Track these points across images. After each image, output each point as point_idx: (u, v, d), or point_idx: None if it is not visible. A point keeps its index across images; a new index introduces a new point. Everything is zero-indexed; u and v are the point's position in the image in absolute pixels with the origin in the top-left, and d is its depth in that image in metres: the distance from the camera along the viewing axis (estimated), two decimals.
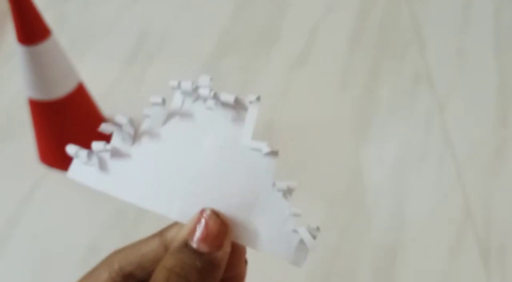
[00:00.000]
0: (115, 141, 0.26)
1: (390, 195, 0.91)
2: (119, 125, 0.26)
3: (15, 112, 1.04)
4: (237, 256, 0.25)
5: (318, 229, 0.26)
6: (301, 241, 0.25)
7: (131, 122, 0.26)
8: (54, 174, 0.94)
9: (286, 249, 0.25)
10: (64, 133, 0.89)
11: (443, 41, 1.19)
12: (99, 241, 0.85)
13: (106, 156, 0.26)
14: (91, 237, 0.85)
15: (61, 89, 0.83)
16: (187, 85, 0.26)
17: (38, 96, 0.83)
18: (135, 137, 0.26)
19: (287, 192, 0.26)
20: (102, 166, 0.26)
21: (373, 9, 1.26)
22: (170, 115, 0.26)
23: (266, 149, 0.26)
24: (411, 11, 1.26)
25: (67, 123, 0.88)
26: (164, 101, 0.26)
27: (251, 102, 0.25)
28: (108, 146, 0.26)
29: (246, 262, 0.27)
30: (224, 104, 0.25)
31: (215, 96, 0.25)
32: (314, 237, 0.26)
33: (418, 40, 1.19)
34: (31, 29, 0.75)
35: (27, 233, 0.86)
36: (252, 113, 0.26)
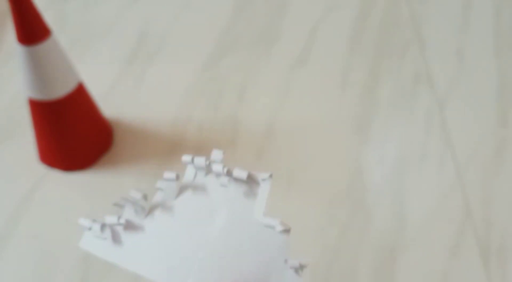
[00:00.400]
0: (128, 214, 0.26)
1: (390, 195, 0.91)
2: (132, 200, 0.26)
3: (15, 112, 1.05)
4: None
5: None
6: None
7: (145, 197, 0.26)
8: (54, 174, 0.94)
9: None
10: (64, 133, 0.89)
11: (443, 41, 1.19)
12: None
13: (120, 228, 0.26)
14: None
15: (61, 89, 0.83)
16: (200, 161, 0.26)
17: (38, 96, 0.83)
18: (149, 210, 0.26)
19: (299, 269, 0.26)
20: (115, 238, 0.26)
21: (373, 9, 1.26)
22: (182, 189, 0.26)
23: (279, 227, 0.25)
24: (411, 11, 1.26)
25: (67, 124, 0.88)
26: (177, 177, 0.27)
27: (263, 179, 0.25)
28: (122, 219, 0.26)
29: None
30: (237, 180, 0.25)
31: (228, 173, 0.25)
32: None
33: (418, 40, 1.19)
34: (31, 29, 0.75)
35: (27, 233, 0.86)
36: (264, 190, 0.26)
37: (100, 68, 1.12)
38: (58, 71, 0.81)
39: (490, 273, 0.81)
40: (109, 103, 1.04)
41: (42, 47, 0.77)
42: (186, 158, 0.27)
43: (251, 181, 0.25)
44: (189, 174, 0.26)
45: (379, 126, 1.02)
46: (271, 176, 0.26)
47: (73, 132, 0.90)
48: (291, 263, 0.25)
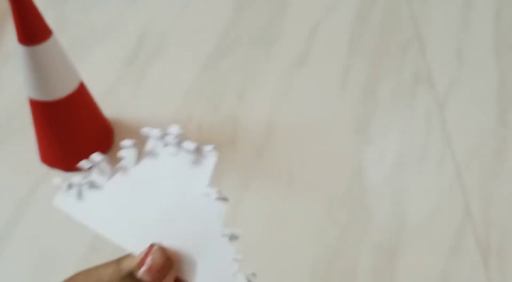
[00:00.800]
0: (93, 175, 0.29)
1: (390, 195, 0.91)
2: (96, 162, 0.29)
3: (16, 113, 1.05)
4: None
5: (255, 275, 0.27)
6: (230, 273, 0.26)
7: (107, 160, 0.29)
8: (54, 174, 0.94)
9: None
10: (65, 133, 0.89)
11: (443, 41, 1.19)
12: (99, 240, 0.85)
13: (85, 187, 0.29)
14: (91, 236, 0.85)
15: (61, 90, 0.83)
16: (156, 132, 0.29)
17: (39, 96, 0.83)
18: (112, 173, 0.29)
19: (233, 238, 0.27)
20: (79, 196, 0.30)
21: (373, 10, 1.26)
22: (141, 157, 0.29)
23: (215, 195, 0.27)
24: (411, 11, 1.26)
25: (68, 124, 0.88)
26: (135, 144, 0.29)
27: (208, 151, 0.28)
28: (86, 179, 0.29)
29: None
30: (188, 151, 0.29)
31: (179, 144, 0.29)
32: None
33: (418, 40, 1.19)
34: (32, 30, 0.75)
35: (27, 232, 0.87)
36: (209, 161, 0.28)
37: (101, 69, 1.12)
38: (58, 71, 0.81)
39: (490, 272, 0.81)
40: (110, 103, 1.04)
41: (43, 48, 0.77)
42: (145, 129, 0.30)
43: (198, 152, 0.29)
44: (149, 145, 0.29)
45: (379, 126, 1.02)
46: (215, 148, 0.29)
47: (74, 132, 0.90)
48: (225, 232, 0.27)
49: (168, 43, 1.20)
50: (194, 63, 1.15)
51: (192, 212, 0.28)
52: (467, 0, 1.28)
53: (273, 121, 1.03)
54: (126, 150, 0.30)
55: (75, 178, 0.30)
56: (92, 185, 0.30)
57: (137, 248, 0.27)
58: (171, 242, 0.27)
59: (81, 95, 0.88)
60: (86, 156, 0.96)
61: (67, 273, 0.88)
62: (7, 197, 0.91)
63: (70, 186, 0.30)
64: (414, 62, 1.14)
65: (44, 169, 0.95)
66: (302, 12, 1.27)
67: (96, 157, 0.29)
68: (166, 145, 0.30)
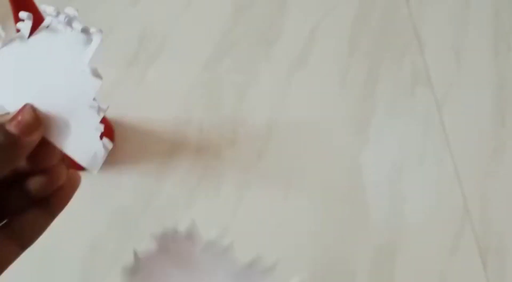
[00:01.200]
0: None
1: (389, 195, 0.91)
2: None
3: None
4: (47, 151, 0.30)
5: (110, 143, 0.31)
6: (96, 152, 0.30)
7: (3, 29, 0.32)
8: None
9: (84, 155, 0.30)
10: None
11: (442, 41, 1.19)
12: (100, 240, 0.85)
13: None
14: (92, 236, 0.86)
15: None
16: (51, 10, 0.32)
17: None
18: (7, 41, 0.32)
19: (100, 110, 0.30)
20: None
21: (372, 10, 1.27)
22: (38, 30, 0.32)
23: (91, 71, 0.30)
24: (410, 12, 1.26)
25: None
26: (30, 17, 0.32)
27: (93, 32, 0.31)
28: None
29: (68, 165, 0.32)
30: (76, 30, 0.31)
31: (70, 23, 0.31)
32: (106, 150, 0.30)
33: (417, 40, 1.19)
34: (33, 30, 0.75)
35: None
36: (94, 42, 0.31)
37: (101, 69, 1.12)
38: None
39: (489, 272, 0.81)
40: (110, 104, 1.04)
41: None
42: (43, 7, 0.32)
43: (86, 33, 0.31)
44: (46, 21, 0.32)
45: (378, 126, 1.02)
46: (100, 30, 0.31)
47: None
48: (93, 104, 0.30)
49: (168, 43, 1.20)
50: (194, 63, 1.15)
51: (69, 83, 0.30)
52: (466, 1, 1.29)
53: (273, 121, 1.03)
54: (23, 22, 0.31)
55: None
56: None
57: (16, 108, 0.30)
58: (45, 106, 0.29)
59: None
60: None
61: (67, 273, 0.88)
62: None
63: None
64: (413, 62, 1.14)
65: None
66: (302, 12, 1.27)
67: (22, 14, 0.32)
68: (59, 22, 0.32)
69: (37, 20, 0.77)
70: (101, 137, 0.31)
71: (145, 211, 0.89)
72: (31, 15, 0.32)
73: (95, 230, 0.87)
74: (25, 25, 0.32)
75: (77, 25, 0.31)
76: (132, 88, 1.10)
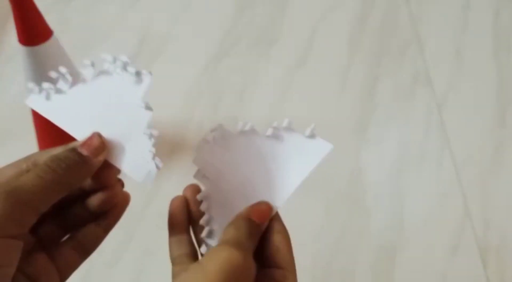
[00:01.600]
0: (59, 83, 0.39)
1: (389, 195, 0.91)
2: (62, 74, 0.38)
3: (17, 113, 1.05)
4: (108, 171, 0.36)
5: (161, 162, 0.38)
6: (150, 170, 0.37)
7: (70, 73, 0.38)
8: None
9: (139, 173, 0.37)
10: (66, 133, 0.90)
11: (442, 41, 1.19)
12: None
13: (52, 92, 0.39)
14: None
15: None
16: (109, 58, 0.39)
17: None
18: (73, 83, 0.39)
19: (151, 136, 0.38)
20: (48, 97, 0.39)
21: (372, 10, 1.27)
22: (98, 74, 0.39)
23: (144, 105, 0.38)
24: (410, 11, 1.26)
25: None
26: (93, 64, 0.39)
27: (145, 74, 0.38)
28: (53, 86, 0.39)
29: (122, 185, 0.39)
30: (130, 73, 0.38)
31: (124, 67, 0.38)
32: (158, 168, 0.37)
33: (417, 40, 1.19)
34: (32, 30, 0.75)
35: None
36: (146, 82, 0.38)
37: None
38: None
39: (489, 272, 0.81)
40: None
41: (44, 48, 0.77)
42: (104, 55, 0.39)
43: (138, 75, 0.38)
44: (104, 66, 0.39)
45: (378, 126, 1.02)
46: (150, 72, 0.38)
47: None
48: (146, 131, 0.38)
49: (168, 43, 1.20)
50: (194, 63, 1.15)
51: (127, 115, 0.38)
52: (466, 1, 1.29)
53: (273, 121, 1.03)
54: (85, 67, 0.39)
55: (45, 84, 0.39)
56: (58, 90, 0.39)
57: (83, 136, 0.37)
58: (107, 133, 0.37)
59: None
60: None
61: None
62: None
63: (40, 90, 0.39)
64: (413, 62, 1.14)
65: None
66: (302, 12, 1.27)
67: (62, 69, 0.38)
68: (116, 67, 0.39)
69: (39, 24, 0.78)
70: (153, 157, 0.37)
71: (145, 211, 0.89)
72: (94, 62, 0.39)
73: None
74: (88, 71, 0.39)
75: (131, 69, 0.38)
76: None
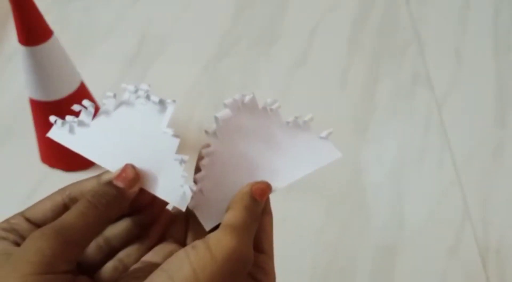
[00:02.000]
0: (82, 116, 0.40)
1: (389, 195, 0.91)
2: (85, 106, 0.39)
3: (17, 113, 1.05)
4: (142, 196, 0.38)
5: (195, 185, 0.38)
6: (184, 193, 0.38)
7: (93, 105, 0.39)
8: (55, 174, 0.94)
9: (174, 197, 0.38)
10: None
11: (442, 41, 1.19)
12: None
13: (75, 124, 0.40)
14: None
15: (62, 90, 0.84)
16: (131, 88, 0.40)
17: (40, 96, 0.83)
18: (96, 115, 0.40)
19: (181, 161, 0.39)
20: (71, 130, 0.40)
21: (372, 10, 1.27)
22: (120, 104, 0.40)
23: (171, 132, 0.39)
24: (410, 11, 1.26)
25: None
26: (115, 96, 0.40)
27: (169, 102, 0.39)
28: (76, 119, 0.39)
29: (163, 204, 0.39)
30: (153, 102, 0.39)
31: (148, 97, 0.39)
32: (192, 191, 0.37)
33: (417, 40, 1.19)
34: (32, 30, 0.75)
35: None
36: (169, 109, 0.39)
37: (102, 69, 1.13)
38: (59, 72, 0.82)
39: (489, 272, 0.81)
40: None
41: (43, 48, 0.78)
42: (124, 85, 0.41)
43: (161, 103, 0.39)
44: (125, 96, 0.40)
45: (378, 126, 1.02)
46: (174, 101, 0.38)
47: None
48: (176, 157, 0.39)
49: (169, 43, 1.20)
50: (194, 63, 1.15)
51: (154, 143, 0.39)
52: (466, 1, 1.29)
53: None
54: (108, 98, 0.40)
55: (68, 117, 0.39)
56: (81, 123, 0.40)
57: (114, 168, 0.38)
58: (138, 163, 0.38)
59: (82, 96, 0.89)
60: None
61: None
62: (8, 198, 0.92)
63: (63, 123, 0.40)
64: (413, 62, 1.14)
65: (45, 169, 0.95)
66: (302, 12, 1.27)
67: (86, 102, 0.39)
68: (138, 97, 0.40)
69: (39, 24, 0.78)
70: (186, 181, 0.38)
71: None
72: (116, 94, 0.40)
73: None
74: (110, 102, 0.40)
75: (155, 98, 0.39)
76: None
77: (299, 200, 0.91)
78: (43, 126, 0.90)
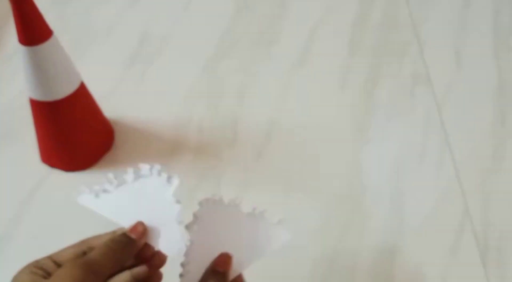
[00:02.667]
0: (106, 185, 0.52)
1: (389, 195, 0.91)
2: (110, 179, 0.52)
3: (17, 113, 1.05)
4: (147, 249, 0.49)
5: (188, 240, 0.49)
6: (179, 248, 0.48)
7: (116, 177, 0.52)
8: (55, 174, 0.94)
9: (173, 250, 0.49)
10: (66, 134, 0.90)
11: (442, 41, 1.19)
12: None
13: (100, 192, 0.52)
14: None
15: (62, 90, 0.84)
16: (147, 167, 0.52)
17: (40, 96, 0.83)
18: (119, 184, 0.52)
19: (181, 223, 0.49)
20: (97, 196, 0.53)
21: (372, 10, 1.27)
22: (137, 177, 0.53)
23: (174, 200, 0.51)
24: (410, 11, 1.26)
25: (68, 124, 0.89)
26: (135, 172, 0.53)
27: (175, 177, 0.52)
28: (101, 187, 0.52)
29: (162, 261, 0.50)
30: (163, 177, 0.52)
31: (159, 173, 0.52)
32: (186, 246, 0.48)
33: (417, 41, 1.19)
34: (32, 30, 0.75)
35: (28, 233, 0.87)
36: (175, 182, 0.52)
37: (102, 69, 1.13)
38: (59, 72, 0.82)
39: (489, 272, 0.81)
40: (110, 104, 1.05)
41: (43, 48, 0.77)
42: (142, 165, 0.52)
43: (170, 177, 0.52)
44: (141, 171, 0.53)
45: (378, 126, 1.02)
46: (178, 177, 0.52)
47: (74, 133, 0.90)
48: (179, 220, 0.50)
49: (168, 44, 1.20)
50: (194, 63, 1.15)
51: (160, 207, 0.50)
52: (466, 1, 1.29)
53: (273, 121, 1.03)
54: (128, 173, 0.52)
55: (95, 186, 0.52)
56: (105, 190, 0.52)
57: (127, 224, 0.50)
58: (146, 221, 0.50)
59: (81, 96, 0.89)
60: (86, 156, 0.99)
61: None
62: (8, 198, 0.92)
63: (91, 191, 0.52)
64: (413, 62, 1.14)
65: (45, 169, 0.95)
66: (301, 13, 1.27)
67: (109, 175, 0.52)
68: (152, 173, 0.52)
69: (39, 24, 0.79)
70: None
71: None
72: (137, 170, 0.53)
73: (95, 230, 0.87)
74: (130, 176, 0.52)
75: (164, 175, 0.52)
76: (132, 88, 1.10)
77: (299, 200, 0.91)
78: (43, 126, 0.90)
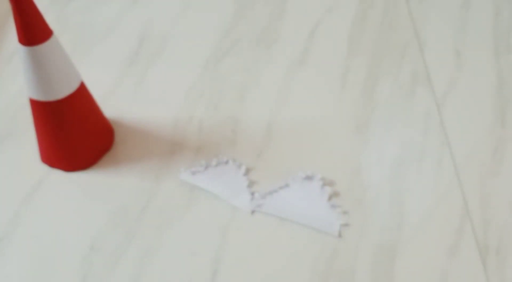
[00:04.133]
0: (196, 168, 0.86)
1: (389, 195, 0.91)
2: (201, 164, 0.84)
3: (17, 113, 1.05)
4: None
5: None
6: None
7: (205, 166, 0.87)
8: (55, 174, 0.94)
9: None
10: (66, 133, 0.90)
11: (442, 41, 1.19)
12: (100, 240, 0.85)
13: (195, 171, 0.88)
14: (92, 236, 0.86)
15: (62, 90, 0.84)
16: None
17: (40, 96, 0.83)
18: (206, 168, 0.86)
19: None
20: (193, 174, 0.87)
21: (372, 10, 1.27)
22: (217, 164, 0.91)
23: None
24: (410, 11, 1.26)
25: (68, 124, 0.89)
26: (207, 165, 0.85)
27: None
28: (196, 169, 0.86)
29: None
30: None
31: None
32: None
33: (417, 40, 1.19)
34: (32, 30, 0.75)
35: (28, 232, 0.87)
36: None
37: (101, 69, 1.13)
38: (59, 72, 0.82)
39: (489, 272, 0.81)
40: (110, 104, 1.05)
41: (43, 48, 0.78)
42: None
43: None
44: (213, 162, 0.88)
45: (378, 126, 1.02)
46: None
47: (74, 133, 0.90)
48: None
49: (168, 43, 1.20)
50: (194, 63, 1.15)
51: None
52: (466, 1, 1.29)
53: (273, 121, 1.03)
54: (213, 161, 0.83)
55: (193, 168, 0.79)
56: (197, 171, 0.84)
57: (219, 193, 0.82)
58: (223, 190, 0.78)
59: (81, 96, 0.89)
60: (86, 156, 0.99)
61: (67, 273, 0.88)
62: (8, 197, 0.92)
63: (190, 172, 0.84)
64: (413, 62, 1.14)
65: (45, 169, 0.95)
66: (301, 12, 1.27)
67: (202, 162, 0.84)
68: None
69: (39, 24, 0.78)
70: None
71: (145, 211, 0.89)
72: (220, 159, 0.82)
73: (95, 230, 0.87)
74: (214, 162, 0.86)
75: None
76: (132, 88, 1.10)
77: None
78: (43, 126, 0.90)
